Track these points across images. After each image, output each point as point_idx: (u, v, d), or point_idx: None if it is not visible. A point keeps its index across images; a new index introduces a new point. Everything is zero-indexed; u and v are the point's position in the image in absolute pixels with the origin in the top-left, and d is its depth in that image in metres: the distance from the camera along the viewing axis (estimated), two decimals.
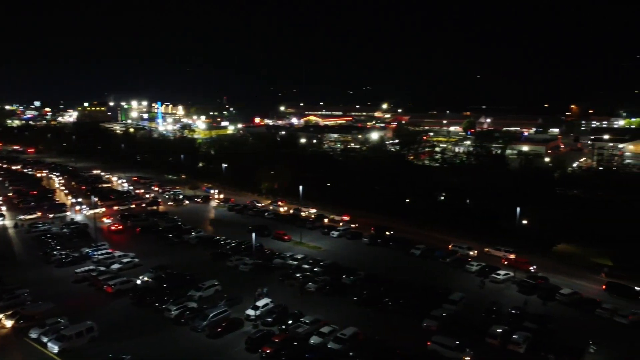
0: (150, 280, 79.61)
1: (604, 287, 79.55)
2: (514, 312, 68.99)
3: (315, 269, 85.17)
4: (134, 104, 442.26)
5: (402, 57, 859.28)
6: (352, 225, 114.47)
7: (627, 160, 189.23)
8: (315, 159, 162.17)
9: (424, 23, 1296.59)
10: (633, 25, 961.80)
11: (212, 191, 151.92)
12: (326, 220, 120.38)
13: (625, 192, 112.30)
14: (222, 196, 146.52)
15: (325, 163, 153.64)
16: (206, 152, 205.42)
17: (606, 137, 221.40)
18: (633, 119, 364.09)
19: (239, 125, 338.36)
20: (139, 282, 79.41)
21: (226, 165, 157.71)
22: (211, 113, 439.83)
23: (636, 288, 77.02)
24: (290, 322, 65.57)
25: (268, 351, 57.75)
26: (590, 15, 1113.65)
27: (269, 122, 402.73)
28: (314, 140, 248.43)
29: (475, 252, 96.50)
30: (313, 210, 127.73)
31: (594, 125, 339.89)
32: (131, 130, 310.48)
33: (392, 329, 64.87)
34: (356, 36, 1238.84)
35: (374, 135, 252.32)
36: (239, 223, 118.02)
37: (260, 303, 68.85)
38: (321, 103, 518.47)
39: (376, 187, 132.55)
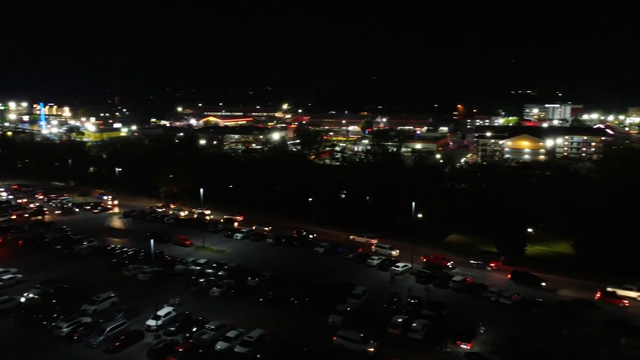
0: (36, 296, 73.08)
1: (509, 276, 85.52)
2: (412, 301, 72.70)
3: (220, 273, 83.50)
4: (12, 105, 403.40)
5: (301, 57, 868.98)
6: (266, 228, 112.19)
7: (507, 155, 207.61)
8: (216, 160, 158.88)
9: (322, 24, 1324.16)
10: (513, 31, 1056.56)
11: (105, 197, 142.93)
12: (235, 224, 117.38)
13: (505, 184, 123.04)
14: (116, 202, 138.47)
15: (226, 164, 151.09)
16: (97, 156, 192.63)
17: (488, 134, 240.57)
18: (510, 118, 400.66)
19: (134, 127, 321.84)
20: (23, 299, 72.56)
21: (120, 169, 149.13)
22: (102, 115, 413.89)
23: (537, 275, 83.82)
24: (194, 329, 63.64)
25: None
26: (476, 19, 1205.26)
27: (166, 123, 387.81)
28: (215, 142, 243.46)
29: (398, 251, 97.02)
30: (208, 212, 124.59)
31: (478, 124, 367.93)
32: (9, 133, 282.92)
33: (299, 327, 65.45)
34: (255, 36, 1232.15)
35: (275, 136, 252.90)
36: (136, 230, 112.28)
37: (161, 312, 66.09)
38: (220, 104, 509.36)
39: (279, 187, 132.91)
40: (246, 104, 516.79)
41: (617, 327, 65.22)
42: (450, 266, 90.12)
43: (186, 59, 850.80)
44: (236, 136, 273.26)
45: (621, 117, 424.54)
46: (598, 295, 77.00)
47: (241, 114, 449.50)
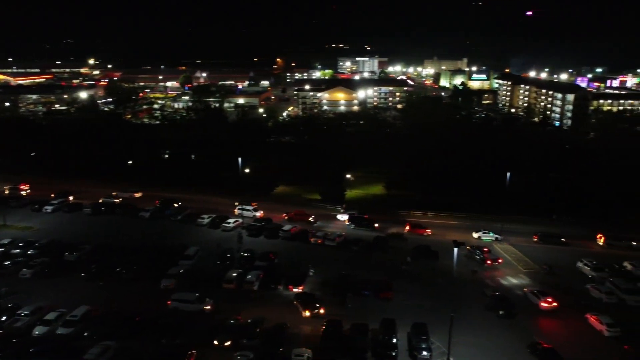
0: None
1: (347, 221, 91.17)
2: (245, 255, 74.18)
3: (29, 252, 74.30)
4: None
5: (107, 7, 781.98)
6: (136, 195, 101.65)
7: (325, 107, 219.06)
8: (10, 125, 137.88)
9: None
10: None
11: None
12: (71, 198, 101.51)
13: (325, 134, 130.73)
14: None
15: (25, 129, 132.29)
16: None
17: (307, 87, 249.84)
18: (326, 71, 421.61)
19: None
20: None
21: None
22: None
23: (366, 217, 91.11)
24: (4, 318, 56.32)
25: None
26: None
27: None
28: (7, 104, 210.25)
29: (262, 212, 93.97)
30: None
31: (297, 77, 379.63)
32: None
33: (130, 297, 62.39)
34: None
35: (83, 95, 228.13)
36: None
37: None
38: (10, 59, 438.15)
39: (92, 151, 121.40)
40: (43, 59, 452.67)
41: (420, 253, 76.05)
42: (312, 220, 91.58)
43: None
44: (34, 96, 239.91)
45: (419, 69, 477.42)
46: (407, 228, 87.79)
47: (38, 70, 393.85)
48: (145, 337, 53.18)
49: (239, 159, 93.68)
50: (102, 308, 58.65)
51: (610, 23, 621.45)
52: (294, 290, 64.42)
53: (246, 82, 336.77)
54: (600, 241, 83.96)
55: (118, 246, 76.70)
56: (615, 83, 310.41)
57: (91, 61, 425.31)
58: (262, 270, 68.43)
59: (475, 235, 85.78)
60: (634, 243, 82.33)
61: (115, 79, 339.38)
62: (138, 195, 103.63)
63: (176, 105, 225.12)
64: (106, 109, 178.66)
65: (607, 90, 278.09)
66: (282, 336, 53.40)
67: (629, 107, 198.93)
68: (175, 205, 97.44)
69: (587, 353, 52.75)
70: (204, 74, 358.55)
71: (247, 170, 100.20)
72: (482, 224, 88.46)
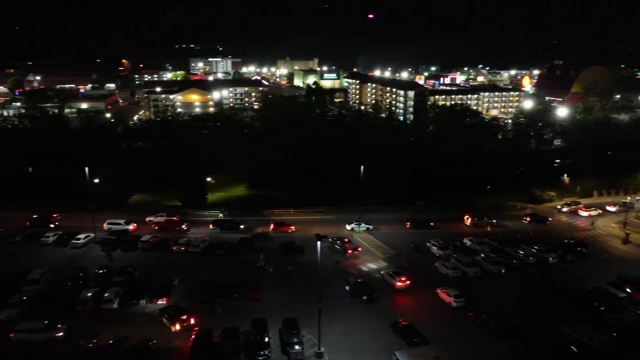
0: None
1: (211, 225, 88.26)
2: (100, 272, 68.56)
3: None
4: None
5: None
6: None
7: (179, 110, 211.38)
8: None
9: None
10: None
11: None
12: None
13: (180, 138, 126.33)
14: None
15: None
16: None
17: (158, 89, 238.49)
18: (178, 72, 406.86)
19: None
20: None
21: None
22: None
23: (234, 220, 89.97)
24: None
25: None
26: None
27: None
28: None
29: (135, 225, 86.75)
30: None
31: (146, 79, 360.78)
32: None
33: None
34: None
35: None
36: None
37: None
38: None
39: None
40: None
41: (286, 249, 77.78)
42: (185, 228, 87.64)
43: None
44: None
45: (273, 69, 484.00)
46: (272, 227, 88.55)
47: None
48: None
49: (86, 169, 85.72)
50: None
51: (441, 25, 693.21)
52: (158, 302, 61.22)
53: (89, 86, 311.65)
54: (468, 222, 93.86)
55: None
56: (447, 80, 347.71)
57: None
58: (121, 286, 63.92)
59: (348, 227, 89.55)
60: (494, 221, 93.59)
61: None
62: None
63: (5, 113, 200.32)
64: None
65: (441, 87, 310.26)
66: (148, 353, 50.47)
67: (459, 102, 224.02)
68: (52, 225, 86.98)
69: (439, 323, 58.17)
70: (38, 77, 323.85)
71: (96, 181, 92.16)
72: (345, 217, 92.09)
